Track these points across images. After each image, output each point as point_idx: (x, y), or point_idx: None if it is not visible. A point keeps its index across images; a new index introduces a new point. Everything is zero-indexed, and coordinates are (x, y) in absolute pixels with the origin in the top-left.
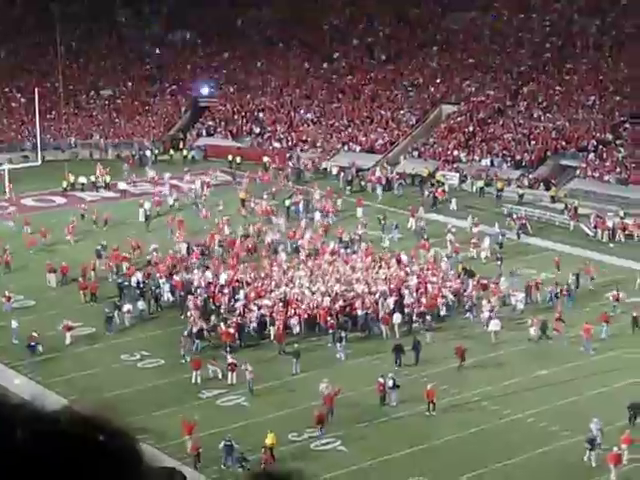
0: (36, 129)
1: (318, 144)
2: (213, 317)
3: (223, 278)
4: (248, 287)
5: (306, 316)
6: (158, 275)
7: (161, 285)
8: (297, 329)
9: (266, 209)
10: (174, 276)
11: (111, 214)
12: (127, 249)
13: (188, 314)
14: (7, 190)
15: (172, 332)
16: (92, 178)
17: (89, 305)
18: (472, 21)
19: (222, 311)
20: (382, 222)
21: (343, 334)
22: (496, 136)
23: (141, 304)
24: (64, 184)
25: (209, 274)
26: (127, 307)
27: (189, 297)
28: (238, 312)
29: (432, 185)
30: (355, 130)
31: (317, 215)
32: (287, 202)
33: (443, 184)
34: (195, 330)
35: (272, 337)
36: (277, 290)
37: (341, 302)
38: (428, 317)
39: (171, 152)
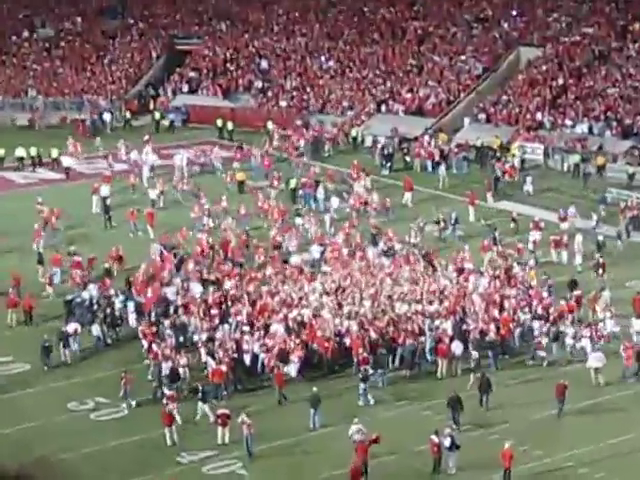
0: None
1: (344, 104)
2: (201, 350)
3: (210, 293)
4: (246, 307)
5: (327, 347)
6: (118, 290)
7: (118, 303)
8: (293, 370)
9: (281, 209)
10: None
11: (60, 209)
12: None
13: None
14: None
15: (139, 369)
16: (32, 152)
17: (24, 328)
18: None
19: (206, 340)
20: (440, 217)
21: (371, 371)
22: (596, 92)
23: (96, 329)
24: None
25: (196, 288)
26: (73, 327)
27: (164, 320)
28: (232, 342)
29: (494, 158)
30: (397, 84)
31: (334, 203)
32: (292, 183)
33: (520, 159)
34: (167, 369)
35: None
36: (288, 311)
37: (379, 326)
38: (497, 347)
39: (156, 115)
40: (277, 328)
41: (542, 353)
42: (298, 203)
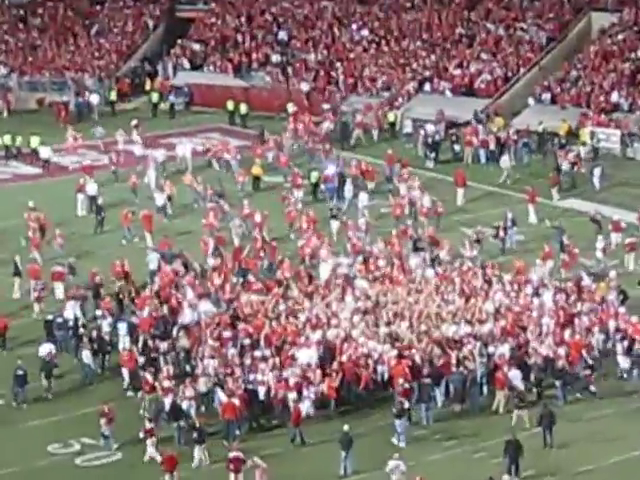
0: None
1: (380, 82)
2: (203, 378)
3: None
4: (266, 328)
5: (360, 376)
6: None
7: (106, 326)
8: (308, 406)
9: (311, 217)
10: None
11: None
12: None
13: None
14: None
15: (131, 405)
16: (6, 140)
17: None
18: None
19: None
20: (497, 224)
21: (407, 404)
22: None
23: (87, 356)
24: None
25: (208, 307)
26: (46, 348)
27: (160, 344)
28: (246, 371)
29: (558, 146)
30: (443, 58)
31: (364, 198)
32: (313, 176)
33: (591, 147)
34: (168, 404)
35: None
36: (310, 332)
37: (422, 350)
38: (566, 376)
39: (153, 97)
40: (300, 354)
41: (593, 388)
42: (327, 200)
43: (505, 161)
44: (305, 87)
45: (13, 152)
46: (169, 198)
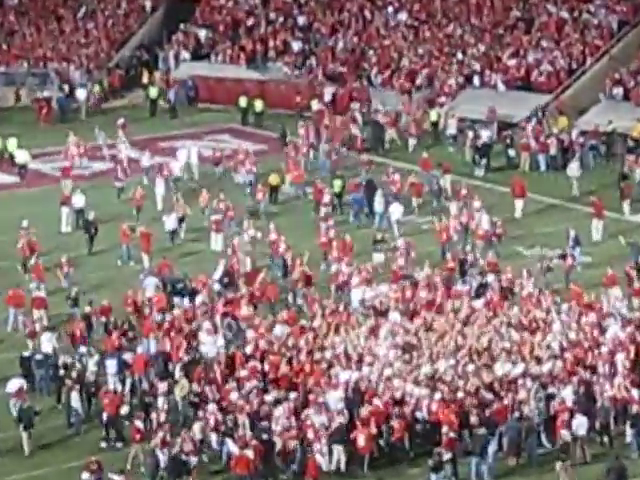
0: None
1: (419, 77)
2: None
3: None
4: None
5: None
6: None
7: (92, 366)
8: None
9: (347, 243)
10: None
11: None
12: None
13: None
14: None
15: (121, 458)
16: None
17: None
18: None
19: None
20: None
21: (446, 456)
22: None
23: (75, 399)
24: None
25: (217, 342)
26: (16, 384)
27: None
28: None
29: (625, 148)
30: (495, 46)
31: (397, 210)
32: (337, 185)
33: None
34: (165, 460)
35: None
36: (339, 372)
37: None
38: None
39: (151, 92)
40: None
41: None
42: (353, 214)
43: (573, 169)
44: (328, 96)
45: None
46: (181, 220)
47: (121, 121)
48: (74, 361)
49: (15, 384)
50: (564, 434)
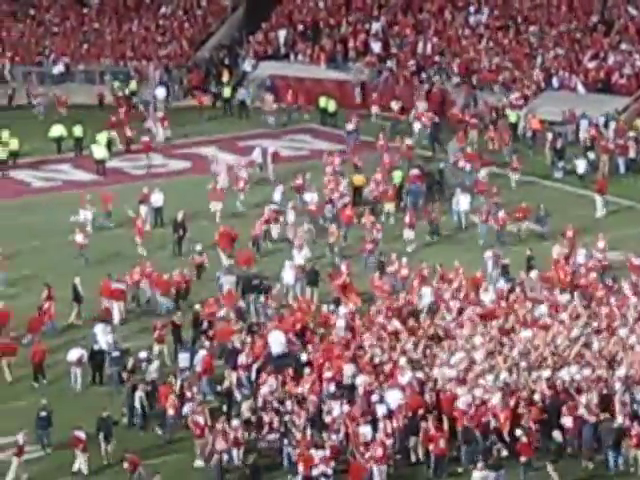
0: None
1: (500, 76)
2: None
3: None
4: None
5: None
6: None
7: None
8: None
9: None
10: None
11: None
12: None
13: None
14: None
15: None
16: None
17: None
18: None
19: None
20: None
21: (504, 452)
22: None
23: (139, 399)
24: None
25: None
26: (77, 353)
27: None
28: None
29: None
30: (574, 49)
31: (464, 203)
32: (397, 176)
33: None
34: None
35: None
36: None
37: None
38: None
39: (225, 92)
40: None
41: None
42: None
43: None
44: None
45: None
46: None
47: (160, 114)
48: (141, 360)
49: (75, 354)
50: (555, 435)
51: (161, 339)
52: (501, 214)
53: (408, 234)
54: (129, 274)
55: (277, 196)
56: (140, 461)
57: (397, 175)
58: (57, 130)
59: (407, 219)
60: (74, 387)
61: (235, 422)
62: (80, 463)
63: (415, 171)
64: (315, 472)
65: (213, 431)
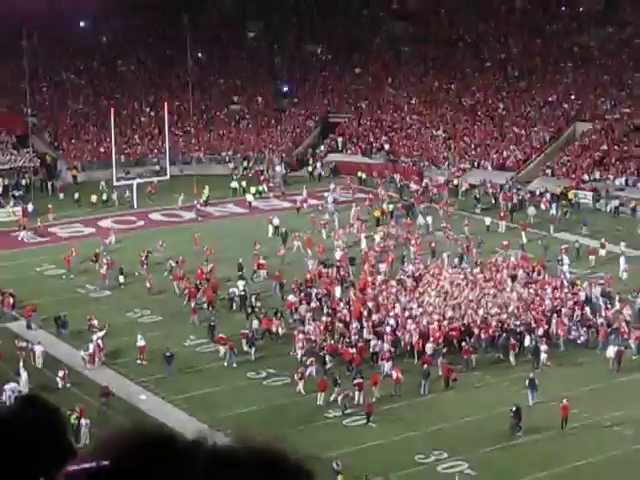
0: (165, 144)
1: (447, 162)
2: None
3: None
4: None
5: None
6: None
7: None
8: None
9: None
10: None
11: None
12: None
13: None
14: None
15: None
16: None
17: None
18: (608, 36)
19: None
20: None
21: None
22: (632, 155)
23: (256, 324)
24: (204, 195)
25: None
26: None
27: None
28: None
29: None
30: (486, 148)
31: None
32: (391, 207)
33: (572, 201)
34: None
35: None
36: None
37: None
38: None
39: (309, 168)
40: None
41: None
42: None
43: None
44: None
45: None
46: (352, 262)
47: (332, 186)
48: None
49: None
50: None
51: None
52: (445, 224)
53: (391, 230)
54: None
55: (336, 222)
56: None
57: (390, 206)
58: (234, 184)
59: (392, 229)
60: None
61: None
62: None
63: (399, 205)
64: None
65: None
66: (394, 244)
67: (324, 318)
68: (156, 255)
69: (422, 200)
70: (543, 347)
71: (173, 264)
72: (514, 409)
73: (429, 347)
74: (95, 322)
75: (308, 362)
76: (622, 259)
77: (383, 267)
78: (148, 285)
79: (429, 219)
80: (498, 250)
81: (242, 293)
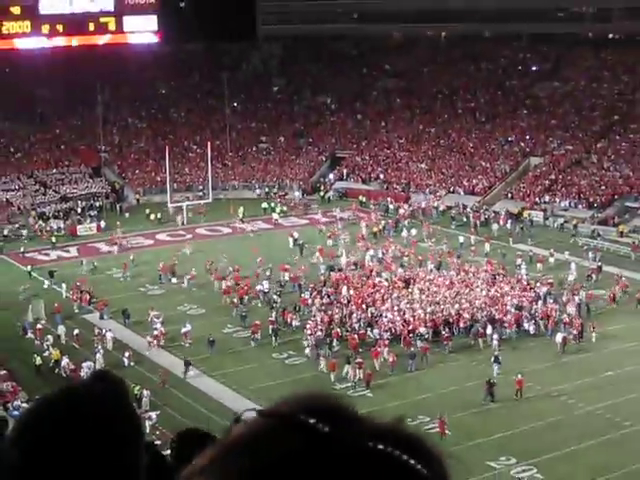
0: (208, 174)
1: (428, 189)
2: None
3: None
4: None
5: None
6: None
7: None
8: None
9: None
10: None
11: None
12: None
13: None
14: (181, 222)
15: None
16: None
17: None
18: (555, 90)
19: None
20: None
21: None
22: (574, 183)
23: (274, 316)
24: (240, 214)
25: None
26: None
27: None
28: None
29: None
30: (459, 177)
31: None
32: (382, 223)
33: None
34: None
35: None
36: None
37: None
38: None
39: (321, 193)
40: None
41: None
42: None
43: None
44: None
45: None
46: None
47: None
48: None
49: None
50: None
51: None
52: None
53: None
54: None
55: (345, 237)
56: None
57: (382, 223)
58: (264, 205)
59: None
60: None
61: None
62: None
63: (390, 221)
64: None
65: None
66: (393, 256)
67: (330, 311)
68: (220, 264)
69: (406, 217)
70: (495, 335)
71: (230, 269)
72: (490, 381)
73: (423, 330)
74: (156, 313)
75: (306, 344)
76: (573, 265)
77: (386, 274)
78: (217, 286)
79: (413, 231)
80: (470, 258)
81: (266, 291)
